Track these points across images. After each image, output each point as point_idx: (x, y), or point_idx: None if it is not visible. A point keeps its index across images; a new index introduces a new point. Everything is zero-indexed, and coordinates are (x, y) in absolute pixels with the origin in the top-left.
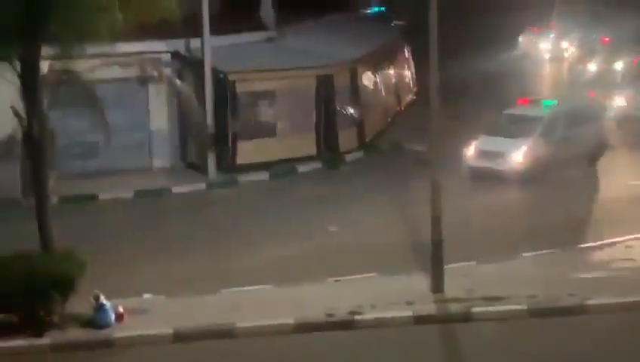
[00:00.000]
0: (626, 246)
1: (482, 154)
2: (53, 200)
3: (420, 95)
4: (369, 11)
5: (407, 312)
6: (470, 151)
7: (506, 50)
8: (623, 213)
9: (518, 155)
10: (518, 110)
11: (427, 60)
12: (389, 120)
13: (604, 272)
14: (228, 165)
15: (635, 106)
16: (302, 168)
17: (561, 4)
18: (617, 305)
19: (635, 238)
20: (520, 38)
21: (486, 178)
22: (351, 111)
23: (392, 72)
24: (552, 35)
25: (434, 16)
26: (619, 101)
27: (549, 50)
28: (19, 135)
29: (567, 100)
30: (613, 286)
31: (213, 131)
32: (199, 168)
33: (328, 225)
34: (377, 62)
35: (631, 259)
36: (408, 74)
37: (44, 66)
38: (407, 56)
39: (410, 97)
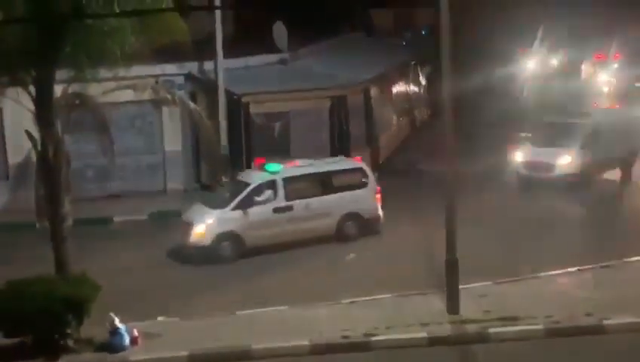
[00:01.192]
0: None
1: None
2: (68, 223)
3: (436, 115)
4: (423, 32)
5: (423, 333)
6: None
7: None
8: None
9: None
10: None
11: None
12: (403, 140)
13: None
14: None
15: None
16: None
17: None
18: (636, 324)
19: None
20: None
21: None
22: (365, 132)
23: (405, 92)
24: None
25: (446, 39)
26: None
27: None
28: (33, 159)
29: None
30: (632, 305)
31: (227, 153)
32: (213, 190)
33: (346, 254)
34: (390, 82)
35: None
36: (421, 94)
37: (58, 90)
38: (420, 76)
39: (423, 117)
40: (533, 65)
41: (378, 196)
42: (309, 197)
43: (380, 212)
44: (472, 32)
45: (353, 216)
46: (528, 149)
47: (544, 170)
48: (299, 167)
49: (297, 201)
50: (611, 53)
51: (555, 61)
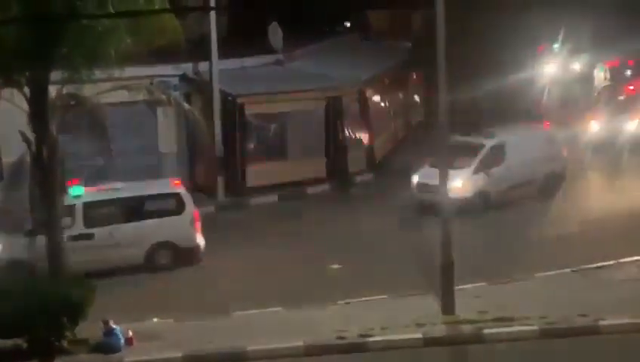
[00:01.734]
0: (638, 266)
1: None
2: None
3: (430, 116)
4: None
5: (418, 334)
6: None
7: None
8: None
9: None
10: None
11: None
12: (399, 141)
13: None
14: (237, 188)
15: None
16: (311, 190)
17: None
18: (630, 325)
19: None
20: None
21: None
22: (360, 133)
23: (400, 93)
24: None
25: (441, 39)
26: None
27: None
28: (28, 160)
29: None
30: (625, 306)
31: (222, 154)
32: (208, 191)
33: (332, 264)
34: (386, 83)
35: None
36: (417, 95)
37: (53, 91)
38: (415, 77)
39: (419, 119)
40: (553, 68)
41: (197, 224)
42: (114, 224)
43: (200, 241)
44: (489, 33)
45: (166, 245)
46: (425, 170)
47: (432, 193)
48: (103, 191)
49: (99, 229)
50: (623, 59)
51: (576, 65)
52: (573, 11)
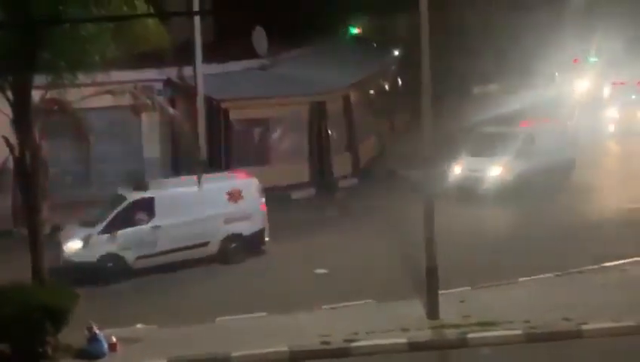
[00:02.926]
0: (621, 271)
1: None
2: (46, 230)
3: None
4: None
5: (403, 339)
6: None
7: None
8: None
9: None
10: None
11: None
12: (383, 146)
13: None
14: None
15: None
16: (295, 195)
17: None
18: (612, 329)
19: (631, 262)
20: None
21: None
22: (344, 137)
23: (385, 98)
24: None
25: (426, 42)
26: None
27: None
28: (10, 165)
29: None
30: (608, 310)
31: (207, 159)
32: None
33: (317, 269)
34: (370, 88)
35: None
36: (400, 100)
37: (37, 95)
38: (399, 82)
39: (403, 123)
40: (585, 83)
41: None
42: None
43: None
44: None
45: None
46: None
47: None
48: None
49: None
50: (631, 80)
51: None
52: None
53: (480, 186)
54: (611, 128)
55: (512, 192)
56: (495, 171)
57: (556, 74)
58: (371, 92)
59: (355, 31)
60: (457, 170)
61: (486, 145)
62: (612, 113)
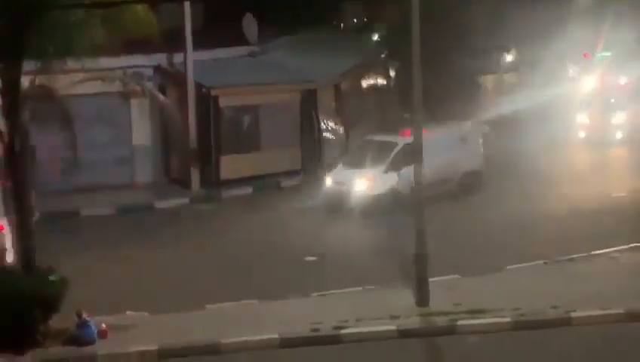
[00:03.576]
0: (609, 258)
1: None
2: (35, 217)
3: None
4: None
5: (392, 326)
6: (327, 181)
7: None
8: None
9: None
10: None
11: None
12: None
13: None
14: (211, 180)
15: None
16: (286, 182)
17: None
18: (601, 316)
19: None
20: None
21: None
22: (335, 125)
23: (377, 85)
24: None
25: (416, 30)
26: None
27: None
28: None
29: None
30: (596, 298)
31: (197, 146)
32: (183, 183)
33: (306, 256)
34: (362, 76)
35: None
36: (392, 88)
37: (26, 82)
38: (390, 70)
39: (393, 111)
40: (593, 81)
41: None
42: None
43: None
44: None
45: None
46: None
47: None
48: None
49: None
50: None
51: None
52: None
53: (345, 200)
54: (581, 135)
55: (381, 209)
56: (360, 184)
57: (569, 70)
58: (363, 79)
59: (374, 38)
60: (328, 182)
61: (362, 156)
62: (582, 118)
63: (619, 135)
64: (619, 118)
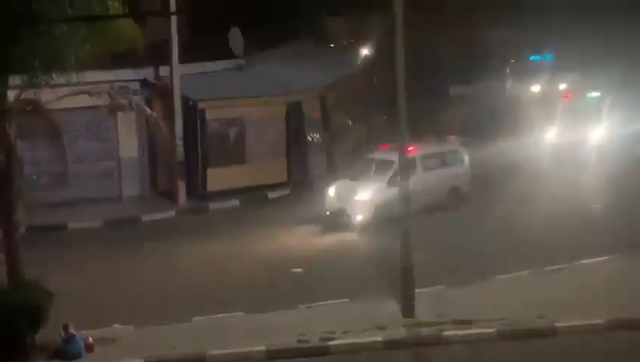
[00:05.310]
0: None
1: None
2: (21, 230)
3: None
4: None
5: (379, 337)
6: (330, 193)
7: None
8: None
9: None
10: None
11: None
12: (360, 146)
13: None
14: (198, 192)
15: None
16: (272, 194)
17: None
18: (585, 327)
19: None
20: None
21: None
22: (321, 137)
23: (361, 98)
24: None
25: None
26: None
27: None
28: None
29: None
30: (581, 308)
31: (183, 158)
32: (170, 196)
33: (293, 268)
34: (347, 88)
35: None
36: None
37: (11, 96)
38: (376, 82)
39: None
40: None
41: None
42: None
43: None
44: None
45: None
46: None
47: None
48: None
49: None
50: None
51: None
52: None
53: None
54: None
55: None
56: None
57: (507, 71)
58: (348, 92)
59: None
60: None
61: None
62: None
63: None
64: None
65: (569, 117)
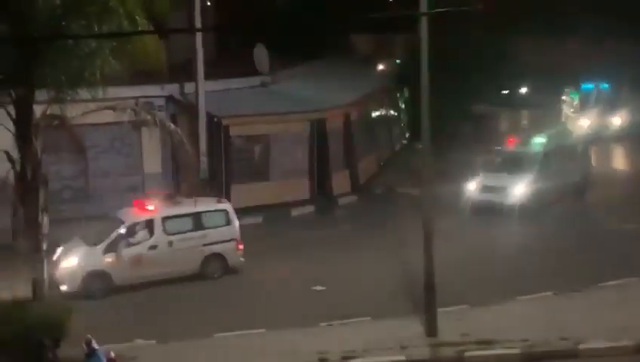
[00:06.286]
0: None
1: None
2: (45, 244)
3: (413, 138)
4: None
5: (401, 356)
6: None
7: None
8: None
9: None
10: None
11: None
12: (382, 163)
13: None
14: None
15: None
16: (295, 212)
17: None
18: (608, 349)
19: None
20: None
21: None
22: (344, 155)
23: (385, 115)
24: None
25: (425, 62)
26: None
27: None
28: (10, 180)
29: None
30: (605, 329)
31: (207, 175)
32: None
33: (314, 285)
34: (369, 106)
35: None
36: (400, 117)
37: (39, 111)
38: (399, 99)
39: (402, 141)
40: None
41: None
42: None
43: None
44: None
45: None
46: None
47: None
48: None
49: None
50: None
51: None
52: None
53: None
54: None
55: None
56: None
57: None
58: (371, 109)
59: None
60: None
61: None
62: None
63: None
64: None
65: None
